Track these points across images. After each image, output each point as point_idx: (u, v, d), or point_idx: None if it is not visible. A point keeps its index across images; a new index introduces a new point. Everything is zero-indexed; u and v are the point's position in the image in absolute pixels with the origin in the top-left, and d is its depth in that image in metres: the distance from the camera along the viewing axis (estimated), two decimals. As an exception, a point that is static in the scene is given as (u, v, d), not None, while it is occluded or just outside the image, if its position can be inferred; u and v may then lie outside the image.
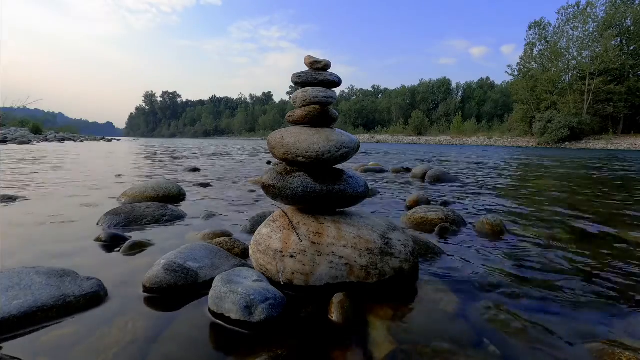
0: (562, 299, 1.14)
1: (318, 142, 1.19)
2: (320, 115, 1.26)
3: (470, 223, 2.10)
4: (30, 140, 15.61)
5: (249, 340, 0.86)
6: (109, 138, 38.97)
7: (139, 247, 1.51)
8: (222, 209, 2.43)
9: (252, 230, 1.81)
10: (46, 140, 18.96)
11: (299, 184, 1.19)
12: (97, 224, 1.91)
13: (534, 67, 46.16)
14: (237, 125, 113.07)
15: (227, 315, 0.93)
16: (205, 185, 3.52)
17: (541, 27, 46.02)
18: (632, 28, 37.27)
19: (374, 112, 79.35)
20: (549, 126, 36.65)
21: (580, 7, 41.23)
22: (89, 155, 8.50)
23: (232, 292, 0.95)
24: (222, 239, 1.54)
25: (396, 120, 70.17)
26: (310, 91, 1.24)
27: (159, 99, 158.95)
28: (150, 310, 1.01)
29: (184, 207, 2.47)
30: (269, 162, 7.39)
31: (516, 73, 48.42)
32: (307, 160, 1.20)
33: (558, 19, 43.99)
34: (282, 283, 1.13)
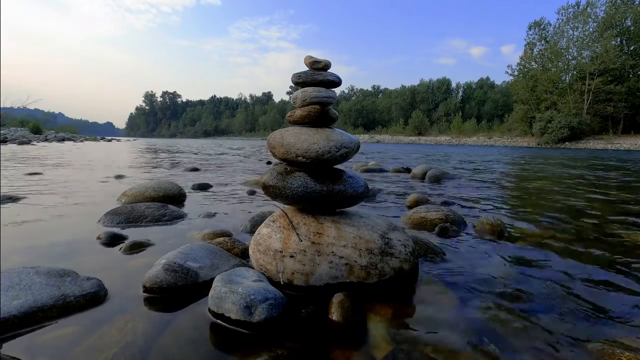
0: (562, 298, 1.13)
1: (318, 142, 1.19)
2: (320, 115, 1.26)
3: (470, 223, 2.10)
4: (30, 140, 15.61)
5: (249, 340, 0.86)
6: (109, 138, 38.99)
7: (139, 247, 1.51)
8: (222, 209, 2.43)
9: (252, 230, 1.81)
10: (46, 140, 18.96)
11: (299, 184, 1.19)
12: (97, 224, 1.91)
13: (534, 67, 46.13)
14: (237, 125, 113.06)
15: (227, 315, 0.93)
16: (205, 185, 3.52)
17: (541, 27, 46.01)
18: (632, 28, 37.24)
19: (374, 112, 79.36)
20: (549, 126, 36.62)
21: (580, 7, 41.21)
22: (89, 155, 8.50)
23: (232, 292, 0.95)
24: (222, 239, 1.54)
25: (396, 120, 70.15)
26: (310, 91, 1.24)
27: (159, 99, 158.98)
28: (150, 310, 1.01)
29: (184, 207, 2.47)
30: (269, 162, 7.40)
31: (516, 73, 48.42)
32: (307, 160, 1.20)
33: (558, 19, 44.01)
34: (282, 283, 1.13)
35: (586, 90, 38.74)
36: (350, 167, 6.02)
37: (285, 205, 1.33)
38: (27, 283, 1.00)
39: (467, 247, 1.66)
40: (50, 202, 2.52)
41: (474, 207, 2.70)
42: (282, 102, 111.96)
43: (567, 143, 35.36)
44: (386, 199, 3.04)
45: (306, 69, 1.30)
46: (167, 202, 2.39)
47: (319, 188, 1.19)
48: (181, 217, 2.12)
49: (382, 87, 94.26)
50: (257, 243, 1.23)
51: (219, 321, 0.94)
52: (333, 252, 1.15)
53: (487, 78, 75.07)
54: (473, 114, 62.65)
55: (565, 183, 4.55)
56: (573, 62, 41.37)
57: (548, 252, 1.61)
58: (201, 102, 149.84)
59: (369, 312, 1.01)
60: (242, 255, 1.43)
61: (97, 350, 0.81)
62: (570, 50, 41.88)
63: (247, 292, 0.94)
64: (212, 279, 1.11)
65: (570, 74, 42.01)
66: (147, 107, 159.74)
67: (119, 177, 4.18)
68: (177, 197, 2.72)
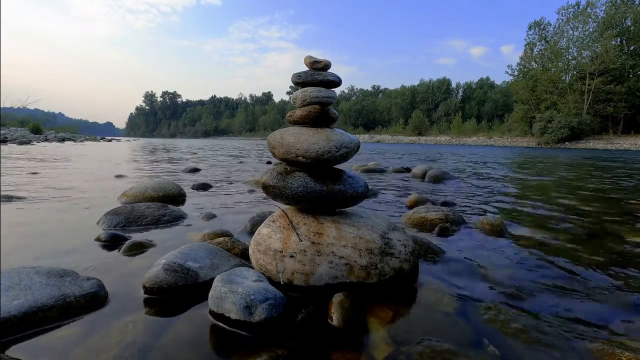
0: (562, 298, 1.14)
1: (318, 142, 1.19)
2: (320, 115, 1.26)
3: (470, 223, 2.10)
4: (30, 141, 15.59)
5: (249, 341, 0.86)
6: (109, 138, 38.94)
7: (138, 247, 1.51)
8: (222, 209, 2.43)
9: (252, 230, 1.81)
10: (46, 140, 18.94)
11: (299, 184, 1.19)
12: (97, 224, 1.91)
13: (534, 67, 46.15)
14: (237, 125, 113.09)
15: (227, 315, 0.93)
16: (205, 186, 3.52)
17: (541, 27, 46.03)
18: (632, 28, 37.25)
19: (374, 112, 79.41)
20: (549, 126, 36.62)
21: (580, 7, 41.23)
22: (89, 156, 8.50)
23: (232, 292, 0.95)
24: (222, 239, 1.54)
25: (396, 120, 70.21)
26: (310, 91, 1.24)
27: (159, 99, 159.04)
28: (150, 311, 1.01)
29: (184, 207, 2.47)
30: (269, 162, 7.40)
31: (516, 73, 48.45)
32: (307, 160, 1.20)
33: (558, 19, 44.04)
34: (282, 283, 1.13)
35: (586, 90, 38.74)
36: (350, 167, 6.02)
37: (285, 205, 1.33)
38: (27, 283, 1.00)
39: (467, 247, 1.66)
40: (50, 202, 2.52)
41: (474, 207, 2.70)
42: (282, 102, 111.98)
43: (567, 143, 35.36)
44: (386, 199, 3.04)
45: (306, 69, 1.30)
46: (167, 202, 2.39)
47: (319, 188, 1.19)
48: (181, 217, 2.12)
49: (382, 87, 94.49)
50: (257, 243, 1.23)
51: (219, 321, 0.94)
52: (333, 252, 1.15)
53: (487, 78, 75.19)
54: (473, 114, 62.69)
55: (565, 182, 4.55)
56: (573, 62, 41.38)
57: (548, 251, 1.61)
58: (201, 102, 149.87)
59: (369, 312, 1.01)
60: (242, 255, 1.43)
61: (97, 351, 0.81)
62: (570, 50, 41.90)
63: (247, 292, 0.94)
64: (212, 279, 1.11)
65: (570, 74, 42.02)
66: (147, 107, 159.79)
67: (118, 177, 4.18)
68: (177, 197, 2.72)
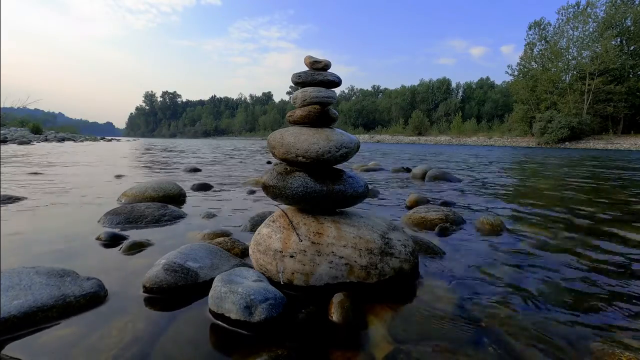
0: (562, 298, 1.14)
1: (318, 142, 1.20)
2: (320, 115, 1.26)
3: (470, 223, 2.10)
4: (30, 141, 15.59)
5: (249, 340, 0.86)
6: (109, 138, 38.92)
7: (138, 247, 1.51)
8: (222, 209, 2.43)
9: (252, 230, 1.81)
10: (46, 140, 18.93)
11: (299, 184, 1.19)
12: (98, 224, 1.90)
13: (534, 67, 46.12)
14: (237, 125, 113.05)
15: (227, 315, 0.93)
16: (205, 186, 3.52)
17: (541, 27, 46.00)
18: (632, 28, 37.21)
19: (374, 112, 79.39)
20: (548, 126, 36.60)
21: (580, 7, 41.19)
22: (89, 155, 8.50)
23: (232, 292, 0.95)
24: (222, 239, 1.54)
25: (396, 120, 70.19)
26: (310, 91, 1.24)
27: (159, 99, 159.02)
28: (150, 311, 1.01)
29: (184, 207, 2.47)
30: (269, 162, 7.40)
31: (516, 73, 48.42)
32: (307, 160, 1.20)
33: (558, 19, 43.97)
34: (282, 283, 1.13)
35: (586, 90, 38.71)
36: (350, 167, 6.02)
37: (285, 205, 1.33)
38: (27, 283, 1.00)
39: (467, 247, 1.66)
40: (50, 202, 2.52)
41: (474, 207, 2.70)
42: (282, 102, 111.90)
43: (567, 143, 35.34)
44: (386, 199, 3.04)
45: (306, 69, 1.30)
46: (167, 202, 2.39)
47: (319, 188, 1.19)
48: (181, 217, 2.12)
49: (382, 87, 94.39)
50: (257, 243, 1.23)
51: (219, 321, 0.94)
52: (333, 252, 1.15)
53: (487, 78, 75.10)
54: (473, 114, 62.64)
55: (564, 182, 4.55)
56: (573, 62, 41.33)
57: (548, 251, 1.61)
58: (201, 102, 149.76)
59: (369, 312, 1.01)
60: (242, 255, 1.44)
61: (97, 351, 0.81)
62: (570, 50, 41.85)
63: (247, 292, 0.94)
64: (212, 279, 1.11)
65: (570, 74, 41.97)
66: (147, 107, 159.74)
67: (118, 177, 4.18)
68: (177, 197, 2.72)
